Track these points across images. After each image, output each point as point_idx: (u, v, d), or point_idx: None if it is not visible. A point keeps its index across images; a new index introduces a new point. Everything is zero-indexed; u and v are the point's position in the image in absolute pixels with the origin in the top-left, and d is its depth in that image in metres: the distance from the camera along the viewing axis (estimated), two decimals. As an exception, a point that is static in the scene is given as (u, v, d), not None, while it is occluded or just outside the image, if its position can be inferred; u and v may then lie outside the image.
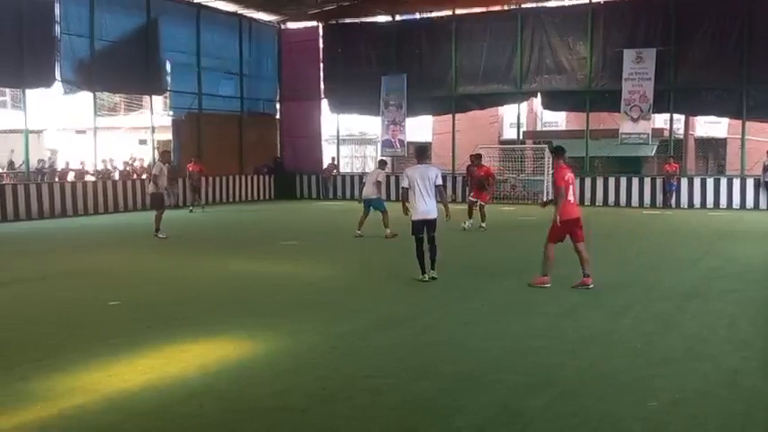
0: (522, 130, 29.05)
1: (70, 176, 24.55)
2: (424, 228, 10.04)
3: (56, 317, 8.27)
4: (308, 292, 9.68)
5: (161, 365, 6.15)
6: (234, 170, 28.02)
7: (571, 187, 9.44)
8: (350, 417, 5.05)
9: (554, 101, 27.14)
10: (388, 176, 22.50)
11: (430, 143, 33.47)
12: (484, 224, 16.79)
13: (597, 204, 24.83)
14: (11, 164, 25.10)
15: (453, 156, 26.88)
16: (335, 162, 30.91)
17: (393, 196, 23.51)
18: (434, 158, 32.71)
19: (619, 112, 24.61)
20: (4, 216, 19.83)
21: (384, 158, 21.20)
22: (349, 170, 36.37)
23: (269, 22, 30.02)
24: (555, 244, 9.51)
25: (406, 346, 6.83)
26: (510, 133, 32.81)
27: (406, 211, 10.28)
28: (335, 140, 31.80)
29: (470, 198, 17.53)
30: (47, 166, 26.29)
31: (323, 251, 13.93)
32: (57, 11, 21.56)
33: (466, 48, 27.06)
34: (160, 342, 6.92)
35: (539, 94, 26.86)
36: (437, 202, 10.19)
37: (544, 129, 36.01)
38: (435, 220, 10.09)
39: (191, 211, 22.38)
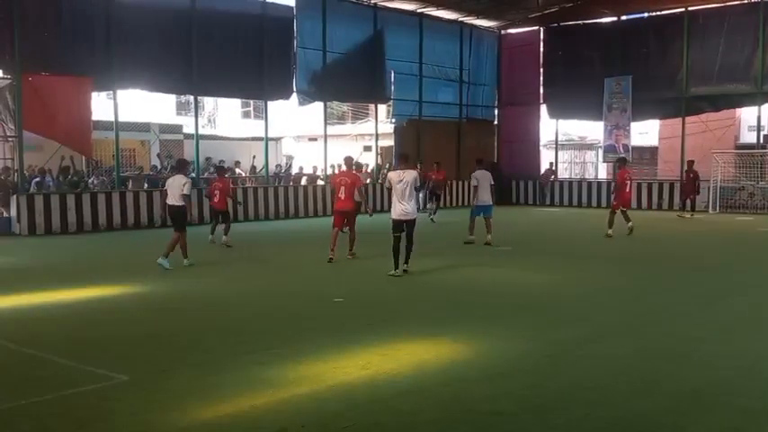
0: (762, 133, 26.46)
1: (303, 180, 26.42)
2: (402, 226, 11.04)
3: (288, 310, 9.02)
4: (522, 298, 9.64)
5: (379, 361, 6.47)
6: (451, 176, 28.46)
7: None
8: (562, 427, 4.97)
9: (803, 101, 24.47)
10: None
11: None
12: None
13: None
14: (253, 168, 27.54)
15: (682, 162, 25.19)
16: (553, 168, 30.34)
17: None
18: (661, 164, 30.97)
19: None
20: (246, 216, 21.88)
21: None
22: (567, 176, 35.51)
23: (489, 27, 30.20)
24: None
25: (625, 359, 6.58)
26: (749, 137, 30.05)
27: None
28: (554, 145, 31.22)
29: None
30: (283, 170, 28.43)
31: (539, 257, 13.76)
32: (294, 27, 23.38)
33: (699, 45, 25.30)
34: (378, 339, 7.28)
35: (783, 95, 24.40)
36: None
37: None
38: (413, 220, 11.15)
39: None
